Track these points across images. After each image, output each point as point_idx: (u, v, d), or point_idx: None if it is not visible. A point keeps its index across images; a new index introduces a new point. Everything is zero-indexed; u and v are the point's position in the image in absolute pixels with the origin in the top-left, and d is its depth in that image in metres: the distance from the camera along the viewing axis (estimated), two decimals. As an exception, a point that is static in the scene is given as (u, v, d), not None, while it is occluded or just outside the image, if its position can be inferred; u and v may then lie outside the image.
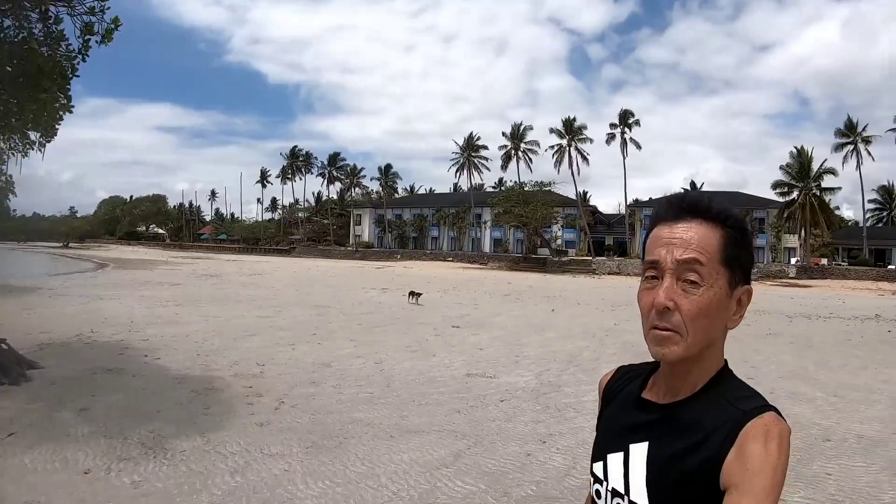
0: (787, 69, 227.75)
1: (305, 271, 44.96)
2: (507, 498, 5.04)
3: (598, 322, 17.91)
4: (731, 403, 1.13)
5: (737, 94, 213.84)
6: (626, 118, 73.23)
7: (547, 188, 71.19)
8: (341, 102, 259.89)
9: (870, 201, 70.49)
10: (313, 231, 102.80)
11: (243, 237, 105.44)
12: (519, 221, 69.68)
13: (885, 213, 77.29)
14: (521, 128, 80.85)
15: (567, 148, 75.31)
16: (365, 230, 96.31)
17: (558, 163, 75.80)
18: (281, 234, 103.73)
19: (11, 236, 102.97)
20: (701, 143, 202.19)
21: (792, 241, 62.47)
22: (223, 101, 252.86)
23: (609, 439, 1.32)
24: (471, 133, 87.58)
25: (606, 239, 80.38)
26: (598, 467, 1.32)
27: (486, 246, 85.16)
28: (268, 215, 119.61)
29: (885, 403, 8.59)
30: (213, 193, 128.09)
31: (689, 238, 1.17)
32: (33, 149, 9.54)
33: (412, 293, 22.37)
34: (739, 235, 1.21)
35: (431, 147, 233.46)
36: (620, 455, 1.26)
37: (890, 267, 54.35)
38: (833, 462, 6.00)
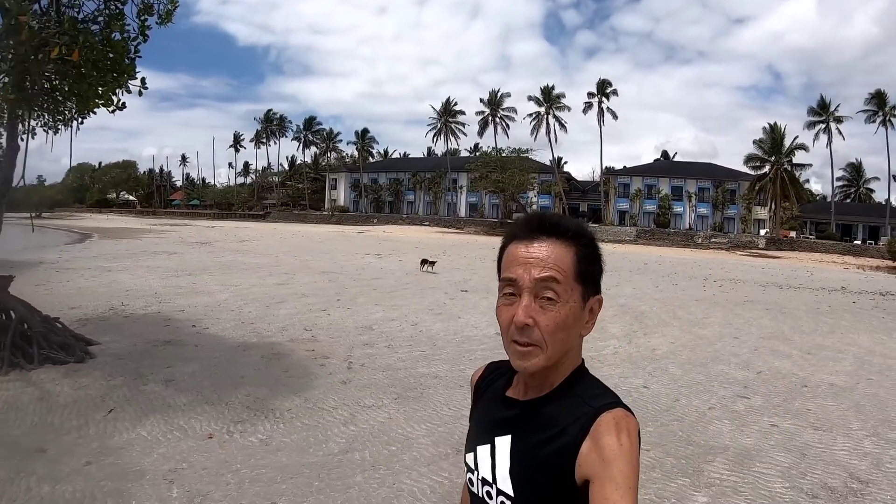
0: (761, 43, 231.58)
1: (290, 237, 45.33)
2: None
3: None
4: (585, 401, 1.24)
5: (710, 66, 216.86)
6: (603, 88, 74.80)
7: (524, 154, 72.77)
8: (311, 64, 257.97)
9: (838, 178, 73.35)
10: (288, 196, 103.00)
11: (216, 202, 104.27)
12: (496, 187, 71.25)
13: (852, 190, 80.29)
14: (499, 94, 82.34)
15: (545, 116, 76.74)
16: (340, 194, 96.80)
17: (536, 130, 77.33)
18: (254, 199, 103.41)
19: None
20: (673, 111, 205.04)
21: (762, 213, 64.98)
22: (191, 64, 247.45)
23: (478, 433, 1.43)
24: (448, 98, 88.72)
25: (581, 206, 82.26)
26: (469, 458, 1.43)
27: (462, 211, 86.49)
28: (240, 180, 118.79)
29: (849, 361, 10.25)
30: (184, 158, 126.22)
31: (545, 257, 1.26)
32: (67, 126, 9.34)
33: (425, 261, 22.51)
34: (591, 252, 1.31)
35: (403, 110, 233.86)
36: (488, 447, 1.37)
37: (856, 242, 56.99)
38: (810, 402, 7.60)
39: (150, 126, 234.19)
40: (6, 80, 7.90)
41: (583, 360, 1.36)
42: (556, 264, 1.25)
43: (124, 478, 5.04)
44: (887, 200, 66.19)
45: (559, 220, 1.31)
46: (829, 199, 70.07)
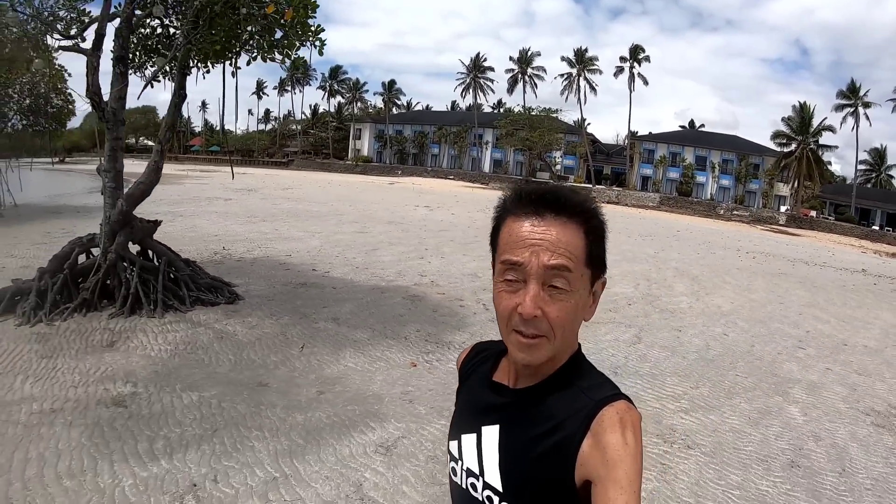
0: (791, 16, 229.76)
1: (328, 186, 46.28)
2: (681, 357, 8.78)
3: (639, 249, 21.58)
4: (584, 392, 1.19)
5: (737, 35, 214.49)
6: (636, 53, 75.63)
7: (554, 114, 74.32)
8: (331, 13, 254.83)
9: (860, 162, 74.71)
10: (310, 144, 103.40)
11: (237, 149, 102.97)
12: (524, 145, 73.02)
13: (873, 175, 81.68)
14: (529, 53, 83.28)
15: (577, 77, 77.92)
16: (364, 145, 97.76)
17: (566, 90, 78.60)
18: (276, 147, 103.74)
19: (6, 153, 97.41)
20: (696, 79, 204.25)
21: (783, 189, 66.59)
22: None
23: (463, 419, 1.39)
24: (478, 53, 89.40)
25: (605, 168, 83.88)
26: (453, 446, 1.38)
27: (486, 166, 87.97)
28: (261, 127, 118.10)
29: (877, 330, 12.42)
30: (204, 104, 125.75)
31: (554, 240, 1.16)
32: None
33: None
34: (600, 230, 1.22)
35: (424, 62, 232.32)
36: (474, 436, 1.32)
37: (875, 227, 58.81)
38: (851, 356, 9.82)
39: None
40: (212, 32, 8.83)
41: (579, 345, 1.29)
42: (568, 249, 1.15)
43: (365, 402, 5.68)
44: None
45: (566, 194, 1.20)
46: (847, 181, 71.71)
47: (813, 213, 60.66)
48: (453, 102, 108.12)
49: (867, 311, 14.92)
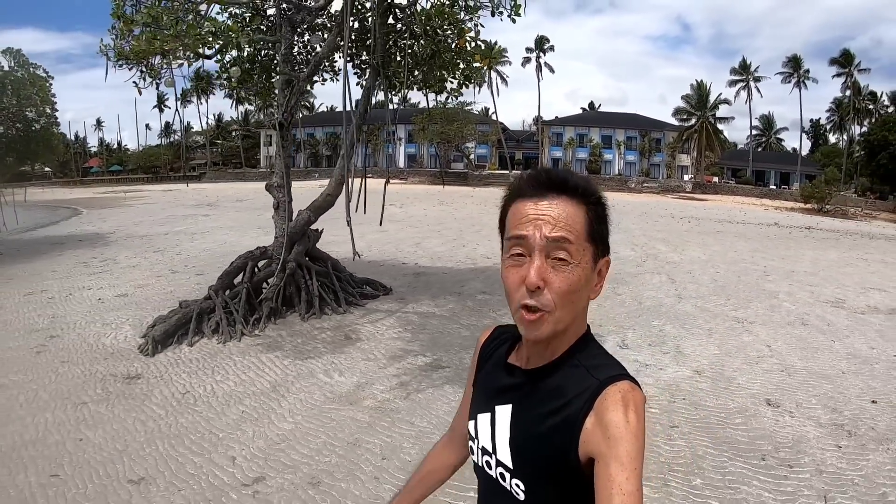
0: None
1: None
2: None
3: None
4: (590, 372, 1.25)
5: (622, 15, 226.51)
6: (541, 44, 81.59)
7: (468, 107, 79.14)
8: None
9: (752, 128, 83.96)
10: (219, 154, 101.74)
11: (140, 166, 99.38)
12: (442, 138, 77.38)
13: (763, 139, 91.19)
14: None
15: (487, 70, 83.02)
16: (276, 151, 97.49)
17: (478, 85, 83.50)
18: (182, 161, 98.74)
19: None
20: (583, 59, 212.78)
21: (685, 159, 74.08)
22: (88, 20, 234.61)
23: (480, 400, 1.47)
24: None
25: (516, 154, 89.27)
26: (471, 426, 1.47)
27: (401, 161, 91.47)
28: (161, 142, 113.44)
29: (808, 261, 17.41)
30: (99, 122, 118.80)
31: (556, 215, 1.24)
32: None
33: None
34: (602, 210, 1.30)
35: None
36: (488, 416, 1.40)
37: (772, 187, 67.13)
38: (800, 278, 14.61)
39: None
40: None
41: (588, 326, 1.36)
42: (568, 223, 1.24)
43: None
44: (799, 151, 78.90)
45: (568, 176, 1.29)
46: (741, 147, 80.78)
47: (715, 179, 68.33)
48: (356, 101, 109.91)
49: (794, 251, 20.16)
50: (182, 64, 9.78)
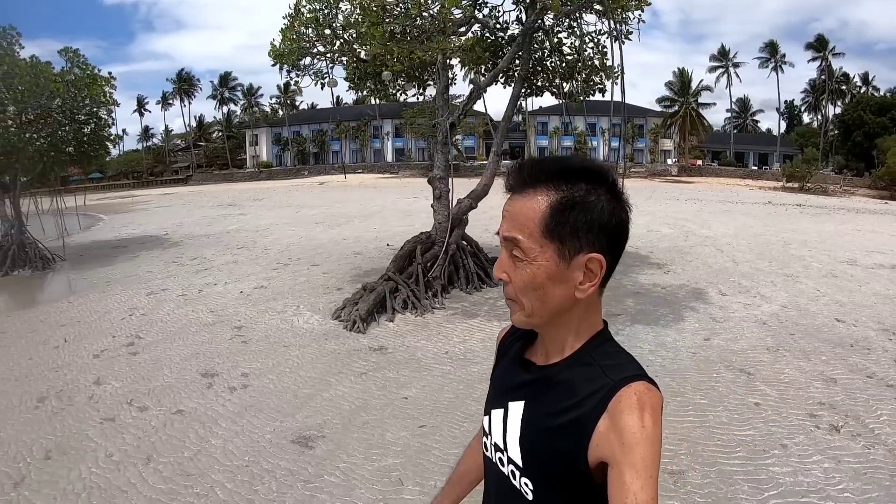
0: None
1: (286, 195, 45.36)
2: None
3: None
4: (604, 371, 1.22)
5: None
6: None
7: (457, 99, 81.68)
8: (184, 18, 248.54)
9: (727, 110, 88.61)
10: (203, 156, 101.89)
11: (122, 171, 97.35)
12: (431, 132, 79.77)
13: (740, 121, 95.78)
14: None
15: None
16: (263, 150, 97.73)
17: (466, 76, 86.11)
18: (164, 164, 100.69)
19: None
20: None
21: (668, 144, 78.04)
22: (55, 27, 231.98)
23: (495, 395, 1.46)
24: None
25: (504, 144, 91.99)
26: (485, 421, 1.46)
27: (389, 156, 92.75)
28: (140, 146, 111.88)
29: (813, 232, 20.80)
30: None
31: (514, 212, 1.25)
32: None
33: None
34: (572, 200, 1.21)
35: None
36: (501, 412, 1.39)
37: (753, 168, 71.57)
38: (814, 244, 18.02)
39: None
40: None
41: (605, 322, 1.34)
42: (519, 222, 1.23)
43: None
44: (778, 132, 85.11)
45: (540, 165, 1.26)
46: (717, 129, 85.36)
47: (699, 162, 72.44)
48: (338, 98, 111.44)
49: (797, 224, 23.67)
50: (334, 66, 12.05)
